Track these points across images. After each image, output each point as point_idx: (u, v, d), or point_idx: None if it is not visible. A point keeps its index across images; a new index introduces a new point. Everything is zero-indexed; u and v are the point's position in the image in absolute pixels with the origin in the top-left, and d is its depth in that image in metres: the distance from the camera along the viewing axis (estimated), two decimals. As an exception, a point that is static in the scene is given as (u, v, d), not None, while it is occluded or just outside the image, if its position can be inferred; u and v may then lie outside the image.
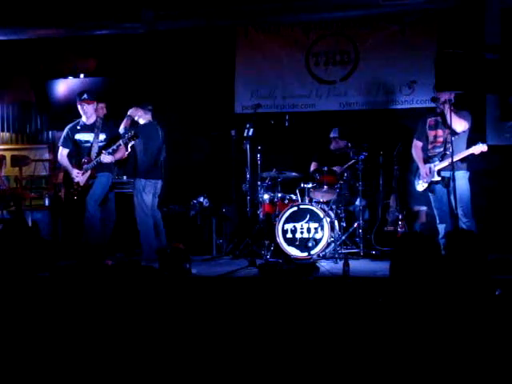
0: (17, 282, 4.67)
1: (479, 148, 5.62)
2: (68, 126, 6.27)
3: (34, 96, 8.08)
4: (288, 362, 3.05)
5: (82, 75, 7.80)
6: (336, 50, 7.48)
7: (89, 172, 6.08)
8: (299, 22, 7.43)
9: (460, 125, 5.65)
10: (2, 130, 8.19)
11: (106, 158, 5.99)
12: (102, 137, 6.15)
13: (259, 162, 6.49)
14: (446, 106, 5.73)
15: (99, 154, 6.05)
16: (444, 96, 5.72)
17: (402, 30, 7.23)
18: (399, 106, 7.28)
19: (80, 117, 6.54)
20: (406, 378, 2.29)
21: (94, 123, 6.18)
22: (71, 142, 6.21)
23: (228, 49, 7.69)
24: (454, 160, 5.62)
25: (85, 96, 6.12)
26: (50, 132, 8.12)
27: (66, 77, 7.81)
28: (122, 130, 6.25)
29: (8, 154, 7.81)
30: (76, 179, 6.10)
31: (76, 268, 5.18)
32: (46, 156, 7.85)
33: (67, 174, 6.22)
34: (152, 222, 6.33)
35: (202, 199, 7.05)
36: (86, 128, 6.17)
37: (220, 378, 3.01)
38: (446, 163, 5.66)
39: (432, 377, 2.28)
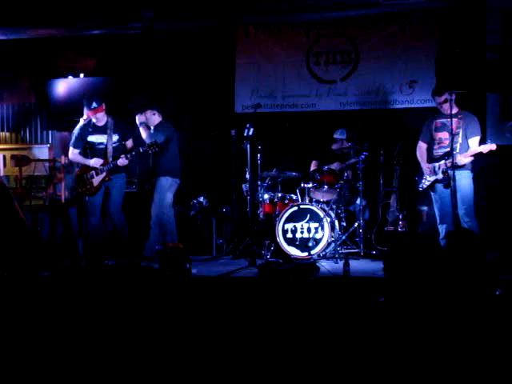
0: (17, 282, 4.67)
1: (488, 147, 5.62)
2: (79, 127, 6.24)
3: (34, 96, 8.08)
4: (288, 361, 3.05)
5: (81, 75, 7.78)
6: (336, 50, 7.47)
7: (104, 174, 6.06)
8: (300, 22, 7.43)
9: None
10: (2, 130, 8.18)
11: (124, 162, 6.00)
12: (115, 138, 6.14)
13: (259, 162, 6.49)
14: (446, 106, 5.74)
15: (117, 156, 6.02)
16: (444, 96, 5.74)
17: (403, 30, 7.23)
18: (399, 106, 7.28)
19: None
20: (405, 377, 2.29)
21: (106, 124, 6.14)
22: (83, 143, 6.18)
23: (228, 49, 7.68)
24: (464, 160, 5.64)
25: (94, 105, 6.04)
26: (50, 132, 8.10)
27: (65, 76, 7.80)
28: (148, 140, 6.20)
29: (8, 154, 7.80)
30: (96, 165, 6.04)
31: (76, 268, 5.18)
32: (46, 156, 7.83)
33: (80, 175, 6.17)
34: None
35: (201, 199, 7.04)
36: (98, 130, 6.14)
37: (220, 378, 3.01)
38: (451, 162, 5.65)
39: (432, 376, 2.27)
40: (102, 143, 6.12)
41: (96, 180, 6.07)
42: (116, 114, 6.53)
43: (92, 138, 6.15)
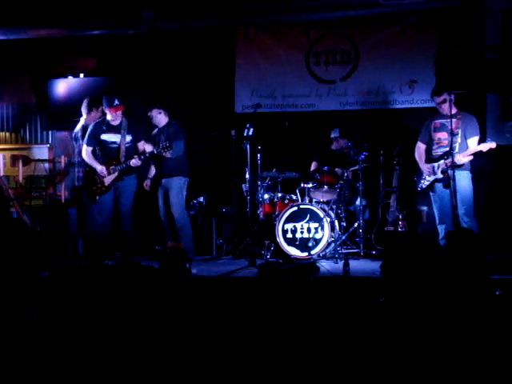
0: (17, 281, 4.67)
1: (488, 145, 5.62)
2: (92, 124, 6.18)
3: (34, 96, 8.07)
4: (288, 361, 3.05)
5: (81, 75, 7.78)
6: (336, 50, 7.47)
7: (116, 174, 6.03)
8: (300, 22, 7.42)
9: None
10: (2, 130, 8.18)
11: (137, 163, 5.99)
12: (129, 138, 6.11)
13: (259, 162, 6.49)
14: (444, 106, 5.75)
15: (130, 157, 6.01)
16: (443, 96, 5.74)
17: (403, 30, 7.22)
18: (399, 106, 7.27)
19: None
20: (405, 377, 2.29)
21: (120, 124, 6.10)
22: (96, 141, 6.12)
23: (228, 49, 7.68)
24: (463, 159, 5.64)
25: (117, 102, 6.00)
26: (50, 132, 8.10)
27: (65, 76, 7.80)
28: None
29: (8, 154, 7.80)
30: (102, 173, 6.02)
31: (76, 268, 5.18)
32: (46, 156, 7.83)
33: (91, 173, 6.12)
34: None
35: (201, 199, 7.05)
36: (112, 129, 6.09)
37: (220, 378, 3.01)
38: (450, 161, 5.65)
39: (432, 377, 2.27)
40: (114, 142, 6.08)
41: (107, 180, 6.04)
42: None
43: (105, 137, 6.09)
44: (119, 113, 6.04)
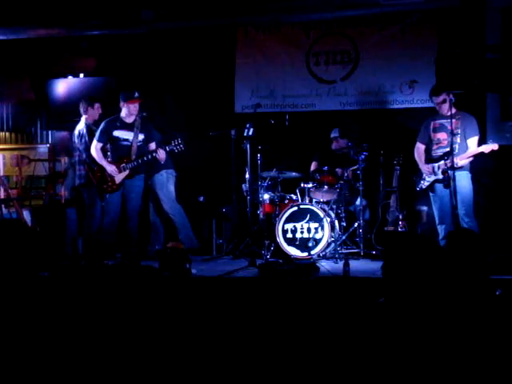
0: (17, 281, 4.67)
1: (490, 147, 5.61)
2: (105, 121, 6.13)
3: (33, 96, 8.07)
4: (288, 361, 3.05)
5: (81, 75, 7.78)
6: (336, 50, 7.47)
7: (127, 172, 6.01)
8: (300, 22, 7.43)
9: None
10: (2, 130, 8.18)
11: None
12: (141, 137, 6.09)
13: (259, 162, 6.48)
14: (444, 106, 5.74)
15: (141, 155, 6.00)
16: (442, 96, 5.74)
17: (403, 30, 7.22)
18: (399, 106, 7.27)
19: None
20: (405, 378, 2.29)
21: (134, 122, 6.07)
22: (107, 138, 6.07)
23: (228, 49, 7.68)
24: (465, 160, 5.64)
25: (137, 95, 5.98)
26: (50, 132, 8.10)
27: (65, 76, 7.80)
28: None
29: (8, 154, 7.80)
30: (113, 173, 5.99)
31: (76, 268, 5.18)
32: (46, 156, 7.83)
33: (101, 171, 6.06)
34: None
35: (201, 199, 7.05)
36: (126, 126, 6.06)
37: (220, 378, 3.01)
38: (450, 162, 5.65)
39: (432, 377, 2.27)
40: (126, 140, 6.04)
41: (118, 178, 6.01)
42: (115, 114, 6.54)
43: (117, 133, 6.04)
44: (137, 105, 6.02)
